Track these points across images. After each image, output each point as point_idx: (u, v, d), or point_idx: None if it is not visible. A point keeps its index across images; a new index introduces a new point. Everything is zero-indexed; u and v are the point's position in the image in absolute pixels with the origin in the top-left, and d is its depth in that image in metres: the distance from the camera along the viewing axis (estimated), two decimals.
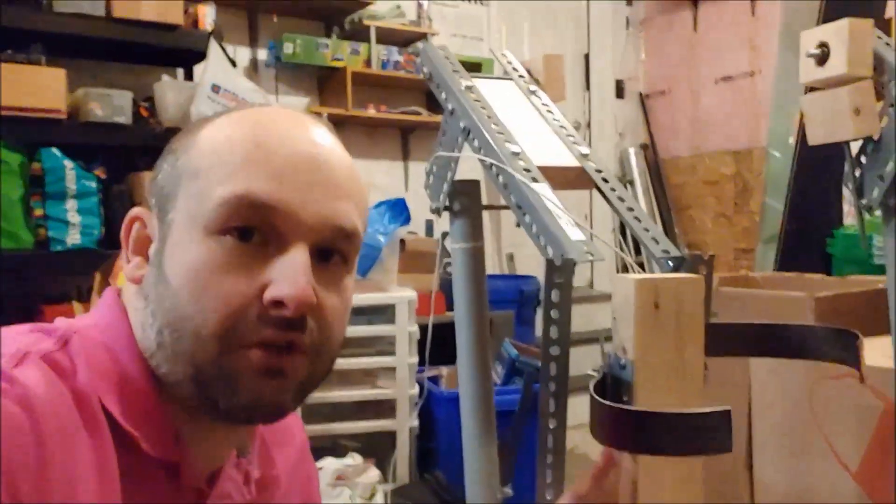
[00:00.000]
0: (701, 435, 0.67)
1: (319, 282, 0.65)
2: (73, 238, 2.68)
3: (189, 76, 3.29)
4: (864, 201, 1.08)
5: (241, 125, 0.67)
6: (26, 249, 2.62)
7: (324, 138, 0.69)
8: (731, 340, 0.90)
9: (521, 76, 1.31)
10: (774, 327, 0.90)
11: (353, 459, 2.31)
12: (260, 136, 0.66)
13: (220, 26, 3.21)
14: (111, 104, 2.74)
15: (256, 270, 0.63)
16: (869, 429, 1.39)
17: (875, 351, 1.34)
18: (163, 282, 0.64)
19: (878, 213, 1.15)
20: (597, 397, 0.74)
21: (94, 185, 2.72)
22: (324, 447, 2.53)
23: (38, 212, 2.66)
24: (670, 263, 0.96)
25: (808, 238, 3.43)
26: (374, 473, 2.28)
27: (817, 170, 3.43)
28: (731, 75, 4.75)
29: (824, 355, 0.87)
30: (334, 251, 0.67)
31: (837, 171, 1.17)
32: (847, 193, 3.26)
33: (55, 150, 2.66)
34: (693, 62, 4.98)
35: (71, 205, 2.68)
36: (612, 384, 0.77)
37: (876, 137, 1.07)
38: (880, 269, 2.51)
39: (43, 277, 2.76)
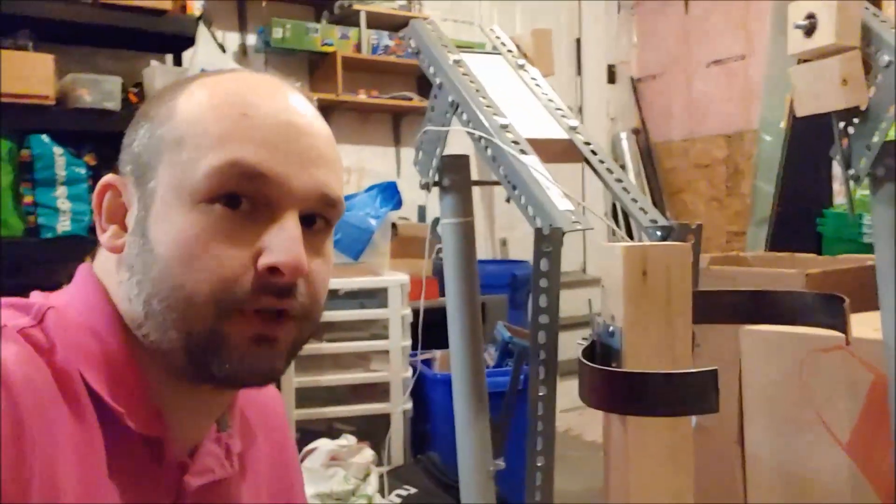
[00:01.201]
0: (688, 395, 0.67)
1: (306, 248, 0.65)
2: (64, 225, 2.67)
3: (178, 62, 3.27)
4: (851, 172, 1.09)
5: (224, 93, 0.67)
6: (16, 237, 2.61)
7: (305, 107, 0.69)
8: (719, 308, 0.91)
9: (509, 51, 1.31)
10: (762, 294, 0.90)
11: (347, 441, 2.32)
12: (245, 104, 0.65)
13: (208, 11, 3.20)
14: (100, 90, 2.71)
15: (247, 238, 0.63)
16: (859, 401, 1.40)
17: (865, 325, 1.35)
18: (149, 251, 0.63)
19: (865, 191, 1.15)
20: (586, 361, 0.75)
21: (83, 171, 2.71)
22: (318, 430, 2.53)
23: (28, 199, 2.64)
24: (658, 233, 0.97)
25: (798, 219, 3.45)
26: (368, 454, 2.28)
27: (808, 152, 3.45)
28: (722, 59, 4.75)
29: (812, 320, 0.87)
30: (318, 217, 0.68)
31: (827, 152, 1.18)
32: (837, 172, 3.27)
33: (44, 137, 2.64)
34: (685, 46, 4.98)
35: (61, 191, 2.67)
36: (600, 352, 0.77)
37: (863, 108, 1.07)
38: (870, 248, 2.53)
39: (33, 265, 2.74)
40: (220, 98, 0.66)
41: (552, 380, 0.90)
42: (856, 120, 1.10)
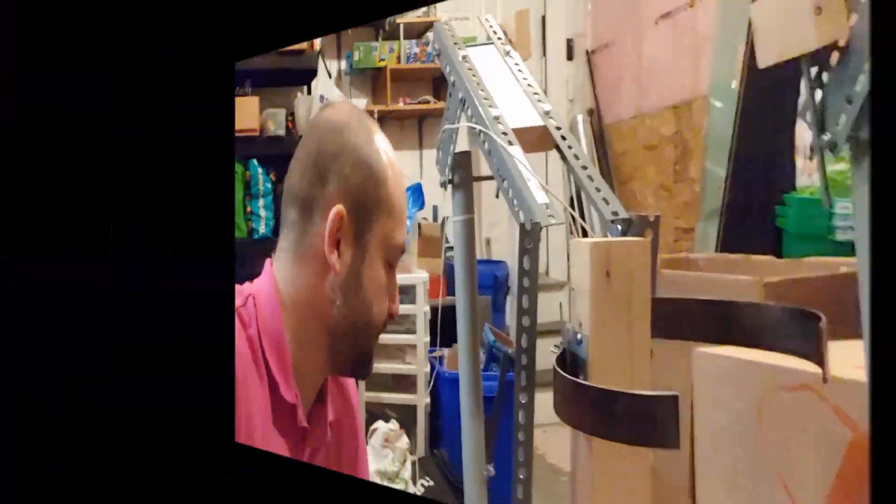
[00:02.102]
0: (647, 421, 0.47)
1: None
2: (263, 228, 2.91)
3: (308, 91, 3.20)
4: (826, 136, 0.58)
5: (396, 166, 0.78)
6: (242, 238, 2.87)
7: None
8: (675, 320, 0.65)
9: (499, 38, 1.10)
10: (723, 305, 0.63)
11: (394, 425, 2.14)
12: (399, 177, 0.79)
13: (323, 45, 3.13)
14: (276, 121, 2.84)
15: None
16: (832, 465, 0.74)
17: (841, 357, 0.64)
18: (361, 291, 0.76)
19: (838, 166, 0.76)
20: (560, 370, 0.56)
21: (270, 185, 2.92)
22: (375, 413, 2.35)
23: (248, 209, 2.90)
24: (619, 227, 0.75)
25: (754, 208, 2.21)
26: (405, 441, 2.09)
27: (764, 120, 2.12)
28: (670, 10, 3.27)
29: (780, 344, 0.60)
30: None
31: (789, 117, 0.73)
32: (801, 143, 1.93)
33: (255, 161, 2.87)
34: (635, 4, 3.68)
35: (261, 202, 2.91)
36: (570, 361, 0.58)
37: (842, 44, 0.57)
38: (844, 249, 1.63)
39: (250, 259, 2.80)
40: (398, 171, 0.78)
41: (531, 387, 0.71)
42: (832, 62, 0.58)
